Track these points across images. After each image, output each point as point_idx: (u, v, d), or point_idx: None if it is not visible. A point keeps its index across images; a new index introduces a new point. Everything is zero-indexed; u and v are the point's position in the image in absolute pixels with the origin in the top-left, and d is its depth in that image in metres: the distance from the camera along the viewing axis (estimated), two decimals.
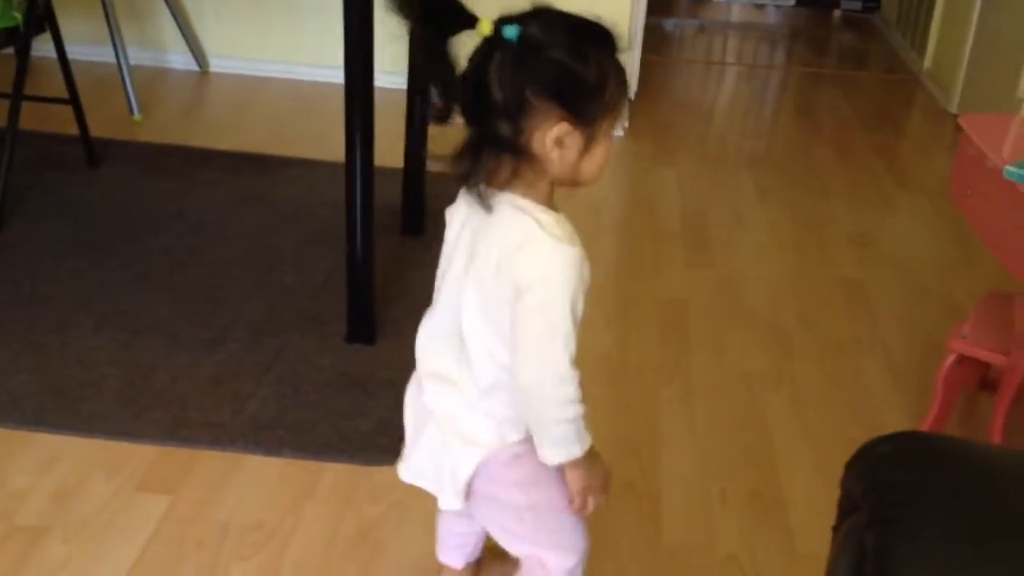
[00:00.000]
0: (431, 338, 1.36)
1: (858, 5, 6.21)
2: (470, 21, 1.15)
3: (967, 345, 1.97)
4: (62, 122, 3.12)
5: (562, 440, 1.28)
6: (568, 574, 1.43)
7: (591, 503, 1.35)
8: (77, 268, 2.57)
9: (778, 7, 6.26)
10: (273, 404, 2.10)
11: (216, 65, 4.09)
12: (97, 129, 3.16)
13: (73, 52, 3.13)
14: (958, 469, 1.05)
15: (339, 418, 2.07)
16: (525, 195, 1.22)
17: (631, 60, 3.91)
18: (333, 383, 2.18)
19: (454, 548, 1.61)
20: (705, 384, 2.32)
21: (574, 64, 1.16)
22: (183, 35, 3.96)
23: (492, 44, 1.15)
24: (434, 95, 1.18)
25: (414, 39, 1.16)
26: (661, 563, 1.79)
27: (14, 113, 2.81)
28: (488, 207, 1.21)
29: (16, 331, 2.29)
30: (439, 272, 1.36)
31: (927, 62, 4.78)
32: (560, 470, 1.32)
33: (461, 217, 1.30)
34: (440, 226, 1.37)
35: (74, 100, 3.06)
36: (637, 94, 4.10)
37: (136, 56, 3.80)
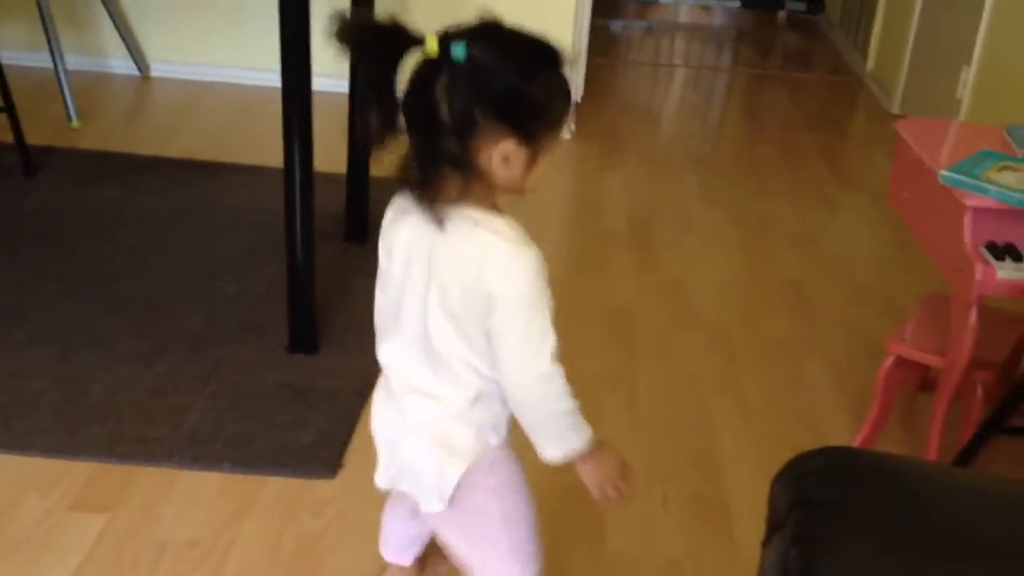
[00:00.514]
0: (401, 357, 1.35)
1: (803, 6, 6.28)
2: (417, 41, 1.14)
3: (905, 347, 2.00)
4: None
5: (559, 434, 1.30)
6: None
7: (612, 492, 1.35)
8: (10, 280, 2.51)
9: (724, 8, 6.31)
10: (212, 417, 2.07)
11: (157, 69, 4.03)
12: (34, 137, 3.10)
13: (8, 58, 3.07)
14: (885, 485, 1.06)
15: (280, 431, 2.04)
16: (474, 206, 1.23)
17: (576, 64, 3.91)
18: (274, 395, 2.15)
19: (404, 548, 1.62)
20: (650, 388, 2.32)
21: (522, 85, 1.17)
22: (123, 39, 3.90)
23: (439, 64, 1.14)
24: (373, 120, 1.17)
25: (356, 66, 1.14)
26: (604, 570, 1.79)
27: None
28: (440, 223, 1.21)
29: None
30: (388, 285, 1.33)
31: (870, 64, 4.83)
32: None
33: (408, 232, 1.28)
34: None
35: (9, 107, 3.00)
36: (584, 96, 4.11)
37: (75, 61, 3.73)
